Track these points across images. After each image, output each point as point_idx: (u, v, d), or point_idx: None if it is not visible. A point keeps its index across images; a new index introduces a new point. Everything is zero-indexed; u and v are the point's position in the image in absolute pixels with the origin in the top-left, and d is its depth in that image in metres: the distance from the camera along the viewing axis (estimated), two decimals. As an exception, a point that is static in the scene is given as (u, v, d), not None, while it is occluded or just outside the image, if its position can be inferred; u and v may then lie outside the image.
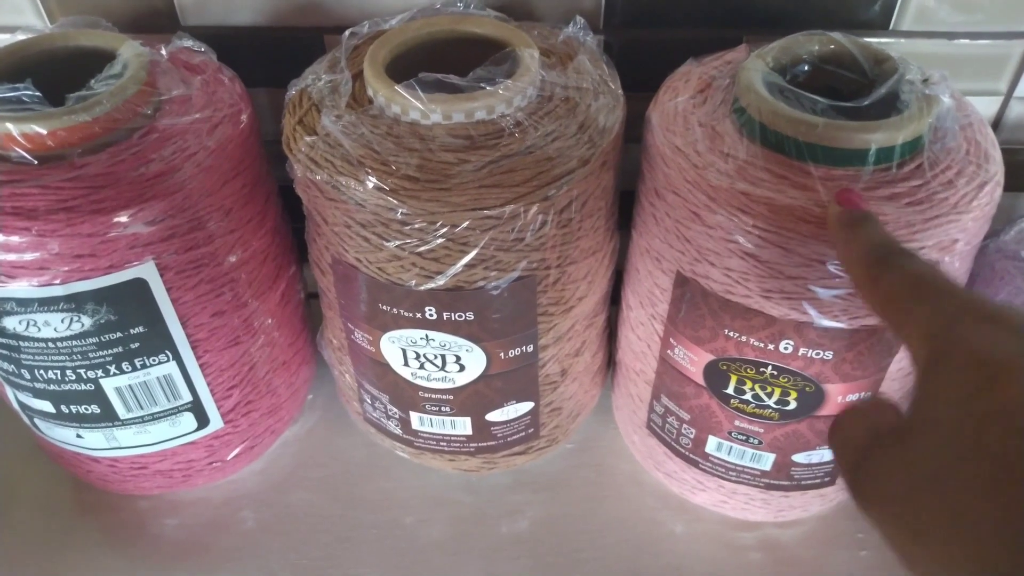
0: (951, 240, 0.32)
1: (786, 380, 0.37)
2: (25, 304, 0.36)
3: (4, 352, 0.39)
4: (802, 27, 0.38)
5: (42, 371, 0.39)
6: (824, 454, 0.40)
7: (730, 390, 0.39)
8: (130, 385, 0.40)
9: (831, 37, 0.38)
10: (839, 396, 0.37)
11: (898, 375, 0.38)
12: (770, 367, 0.37)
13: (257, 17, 0.47)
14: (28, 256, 0.35)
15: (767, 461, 0.41)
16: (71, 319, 0.37)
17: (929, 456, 0.22)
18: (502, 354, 0.40)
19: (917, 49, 0.46)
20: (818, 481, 0.42)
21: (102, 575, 0.45)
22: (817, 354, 0.35)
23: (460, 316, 0.38)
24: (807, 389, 0.37)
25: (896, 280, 0.27)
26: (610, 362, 0.50)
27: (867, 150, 0.32)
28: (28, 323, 0.37)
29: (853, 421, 0.27)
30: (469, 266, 0.36)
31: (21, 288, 0.36)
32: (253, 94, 0.42)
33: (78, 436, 0.43)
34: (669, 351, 0.40)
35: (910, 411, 0.24)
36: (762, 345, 0.36)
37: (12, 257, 0.35)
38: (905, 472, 0.23)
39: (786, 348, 0.36)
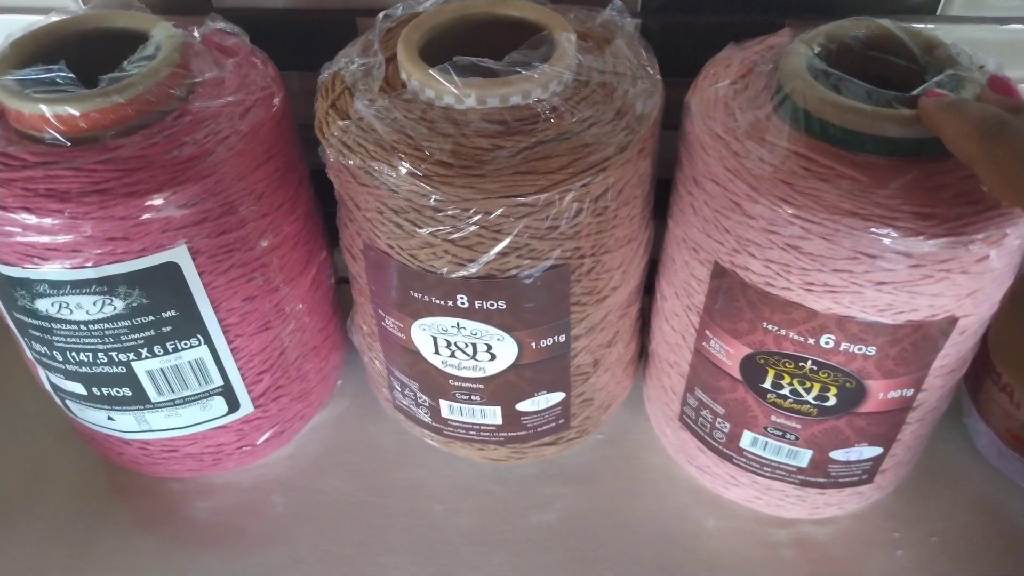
0: (1002, 234, 0.31)
1: (826, 375, 0.36)
2: (58, 286, 0.36)
3: (37, 334, 0.39)
4: (846, 13, 0.37)
5: (74, 353, 0.39)
6: (863, 451, 0.39)
7: (767, 384, 0.38)
8: (161, 368, 0.40)
9: (878, 23, 0.36)
10: (880, 392, 0.36)
11: (941, 372, 0.37)
12: (810, 362, 0.36)
13: (290, -1, 0.46)
14: (61, 238, 0.35)
15: (804, 458, 0.40)
16: (103, 302, 0.37)
17: None
18: (534, 344, 0.39)
19: (966, 35, 0.44)
20: (855, 479, 0.41)
21: (134, 556, 0.45)
22: (859, 349, 0.34)
23: (492, 305, 0.37)
24: (848, 385, 0.36)
25: (1012, 149, 0.26)
26: (643, 353, 0.49)
27: (917, 140, 0.31)
28: (61, 305, 0.37)
29: None
30: (502, 254, 0.35)
31: (54, 270, 0.36)
32: (286, 77, 0.42)
33: (109, 419, 0.43)
34: (704, 343, 0.39)
35: None
36: (802, 339, 0.35)
37: (45, 239, 0.35)
38: None
39: (827, 343, 0.35)
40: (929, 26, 0.44)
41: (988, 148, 0.27)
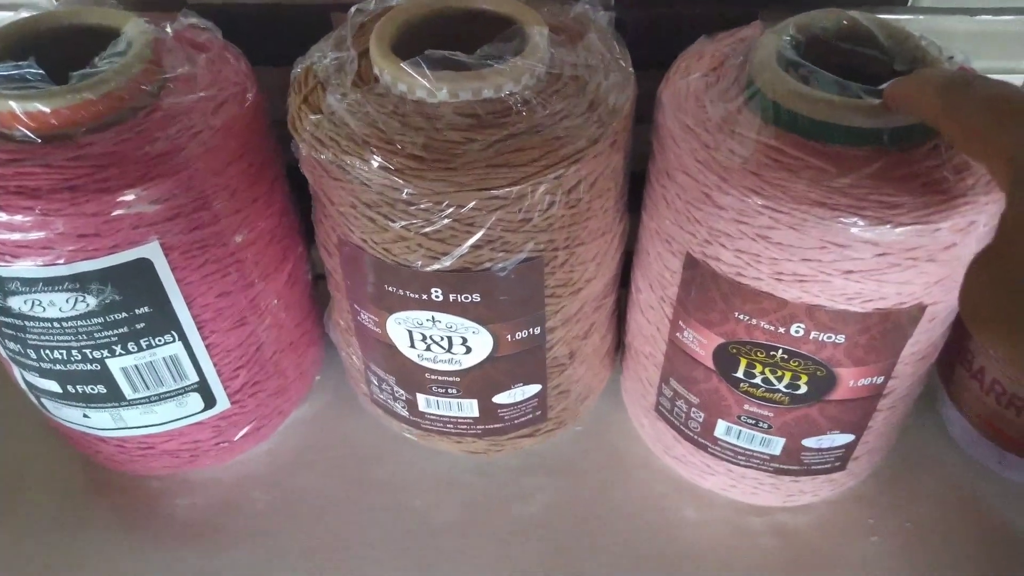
0: (968, 222, 0.32)
1: (797, 364, 0.36)
2: (30, 284, 0.36)
3: (10, 332, 0.39)
4: (817, 4, 0.37)
5: (48, 351, 0.39)
6: (835, 439, 0.40)
7: (740, 374, 0.38)
8: (136, 365, 0.40)
9: (848, 14, 0.37)
10: (851, 380, 0.37)
11: (911, 359, 0.37)
12: (781, 351, 0.36)
13: (263, -6, 0.46)
14: (32, 235, 0.34)
15: (776, 446, 0.40)
16: (76, 299, 0.37)
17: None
18: (509, 336, 0.39)
19: (937, 26, 0.45)
20: (828, 466, 0.42)
21: (113, 555, 0.45)
22: (829, 338, 0.35)
23: (467, 298, 0.37)
24: (818, 373, 0.36)
25: (971, 107, 0.26)
26: (619, 345, 0.49)
27: (883, 130, 0.31)
28: (33, 303, 0.37)
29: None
30: (476, 247, 0.35)
31: (26, 267, 0.35)
32: (259, 73, 0.42)
33: (85, 416, 0.43)
34: (678, 334, 0.40)
35: (1000, 229, 0.24)
36: (773, 328, 0.35)
37: (16, 236, 0.34)
38: (1005, 287, 0.23)
39: (797, 332, 0.35)
40: (901, 17, 0.45)
41: (948, 103, 0.27)
